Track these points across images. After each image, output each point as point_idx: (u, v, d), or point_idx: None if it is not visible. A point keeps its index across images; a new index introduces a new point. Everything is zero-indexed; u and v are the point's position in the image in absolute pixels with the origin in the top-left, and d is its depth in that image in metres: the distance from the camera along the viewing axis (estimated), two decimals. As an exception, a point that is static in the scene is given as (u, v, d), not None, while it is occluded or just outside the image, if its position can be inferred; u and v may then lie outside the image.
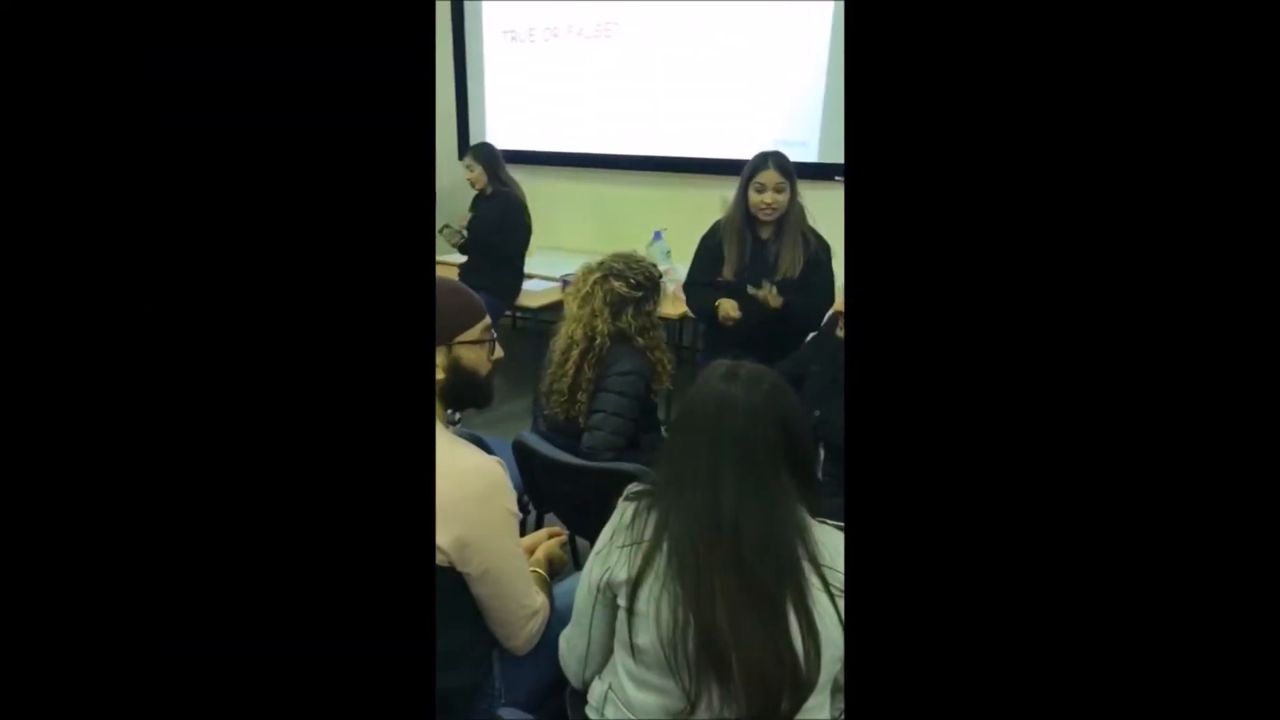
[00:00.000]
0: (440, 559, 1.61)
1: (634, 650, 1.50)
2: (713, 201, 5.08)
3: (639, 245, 4.58)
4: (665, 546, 1.45)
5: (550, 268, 5.47)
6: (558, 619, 1.84)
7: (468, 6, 6.69)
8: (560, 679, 1.78)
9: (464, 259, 5.21)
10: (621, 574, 1.49)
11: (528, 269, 5.21)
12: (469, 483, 1.65)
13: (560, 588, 2.03)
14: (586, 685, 1.69)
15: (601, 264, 2.78)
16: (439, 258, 5.90)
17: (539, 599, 1.82)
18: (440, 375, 1.74)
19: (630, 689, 1.53)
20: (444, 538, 1.59)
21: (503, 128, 6.78)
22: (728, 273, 3.50)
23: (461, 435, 1.90)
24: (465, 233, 5.10)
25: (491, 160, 4.99)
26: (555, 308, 4.91)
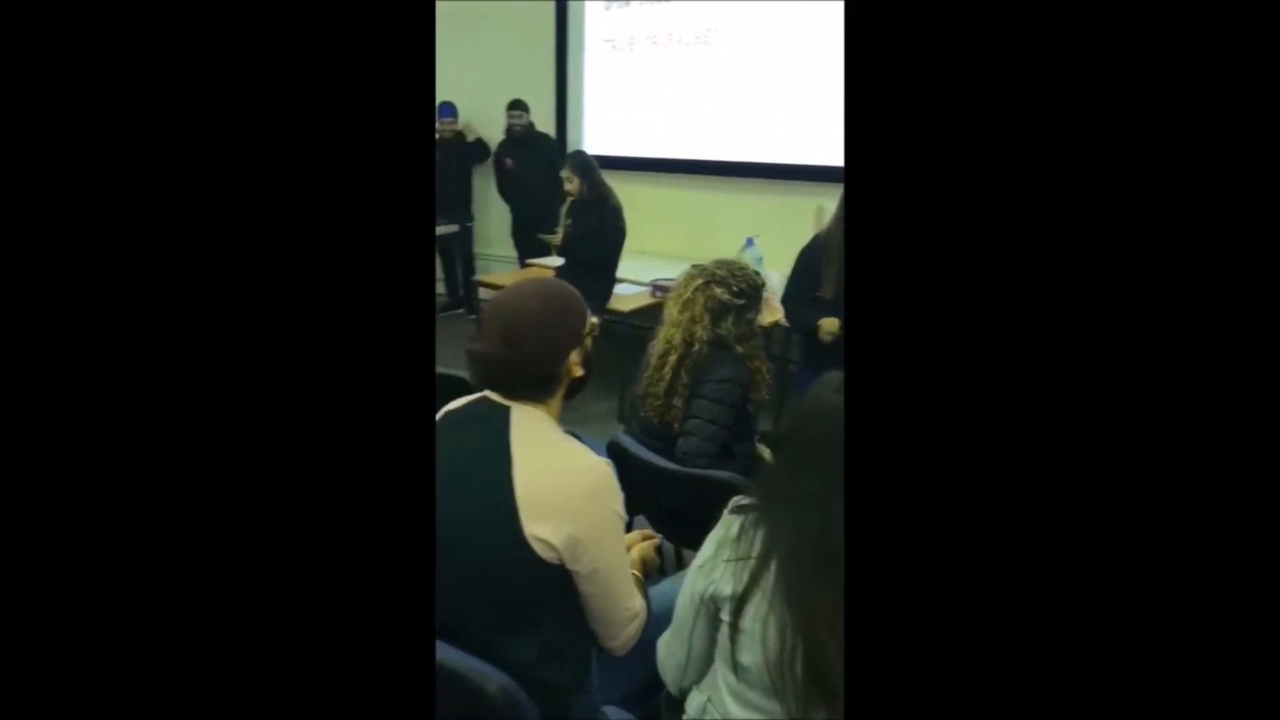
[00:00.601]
0: (550, 556, 1.62)
1: (737, 667, 1.48)
2: (807, 209, 5.04)
3: (731, 251, 4.56)
4: (773, 566, 1.42)
5: (641, 272, 5.51)
6: (652, 622, 1.84)
7: (571, 14, 6.76)
8: (655, 681, 1.78)
9: (560, 262, 5.26)
10: (726, 589, 1.47)
11: (619, 273, 5.24)
12: (583, 482, 1.67)
13: (653, 591, 2.02)
14: (684, 694, 1.68)
15: (704, 270, 2.76)
16: (537, 261, 5.98)
17: (639, 601, 1.82)
18: (579, 372, 1.79)
19: (731, 705, 1.51)
20: (557, 535, 1.60)
21: (600, 135, 6.84)
22: (827, 291, 3.45)
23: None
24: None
25: (587, 168, 5.04)
26: (645, 312, 4.94)
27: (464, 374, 3.05)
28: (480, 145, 7.34)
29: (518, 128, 6.73)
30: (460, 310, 7.62)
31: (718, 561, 1.51)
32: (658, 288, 5.30)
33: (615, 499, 1.71)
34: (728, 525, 1.54)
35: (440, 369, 3.17)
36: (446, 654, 1.60)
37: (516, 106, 6.71)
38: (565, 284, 1.82)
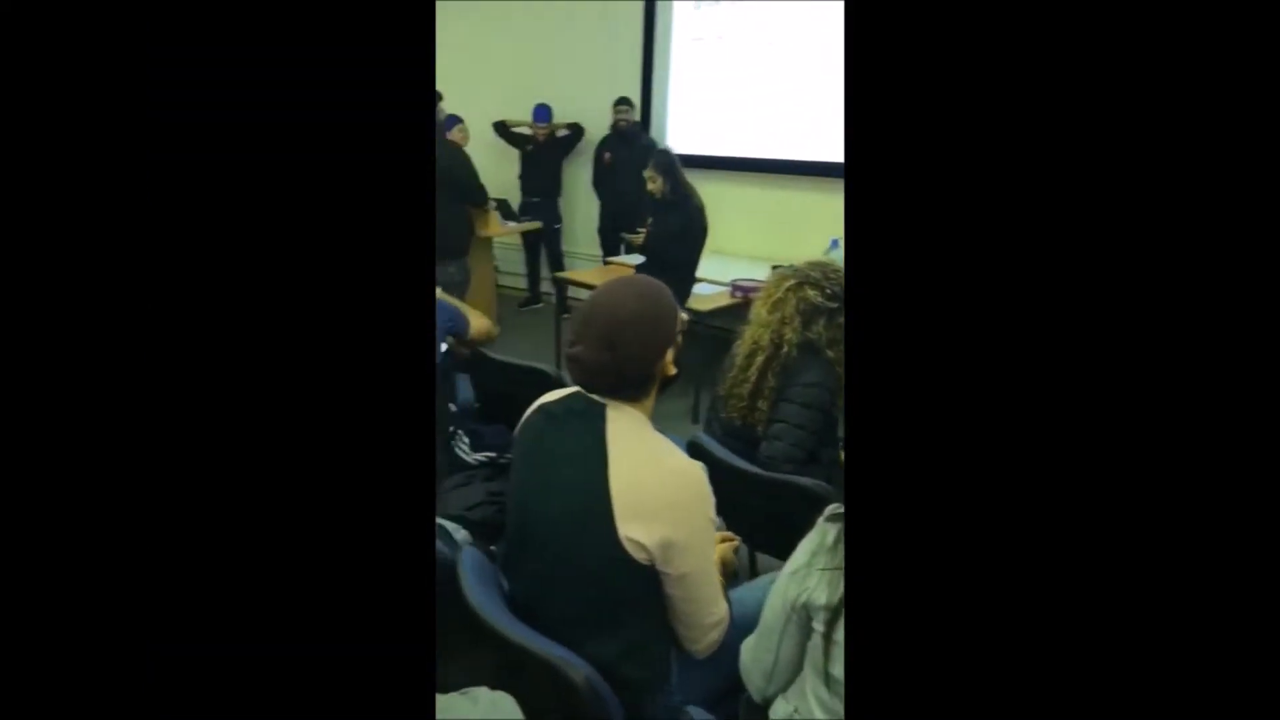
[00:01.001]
0: (642, 557, 1.62)
1: (829, 679, 1.45)
2: (892, 210, 4.96)
3: (814, 252, 4.52)
4: None
5: (720, 272, 5.46)
6: (732, 626, 1.83)
7: (659, 12, 6.76)
8: (735, 684, 1.77)
9: (640, 260, 5.26)
10: (820, 598, 1.44)
11: (698, 272, 5.19)
12: (680, 486, 1.66)
13: (732, 594, 1.99)
14: (767, 702, 1.66)
15: (797, 270, 2.69)
16: (617, 259, 5.98)
17: (724, 606, 1.81)
18: (673, 371, 1.79)
19: (819, 715, 1.48)
20: (651, 538, 1.60)
21: (683, 132, 6.83)
22: None
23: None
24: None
25: (670, 168, 5.02)
26: (724, 312, 4.90)
27: (542, 366, 3.09)
28: (576, 130, 7.37)
29: (623, 123, 6.78)
30: (538, 305, 7.70)
31: (812, 570, 1.48)
32: (738, 288, 5.27)
33: (709, 505, 1.70)
34: (823, 533, 1.50)
35: (521, 361, 3.22)
36: (536, 642, 1.62)
37: (623, 103, 6.76)
38: (657, 282, 1.80)
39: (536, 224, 7.23)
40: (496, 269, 7.35)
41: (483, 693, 1.11)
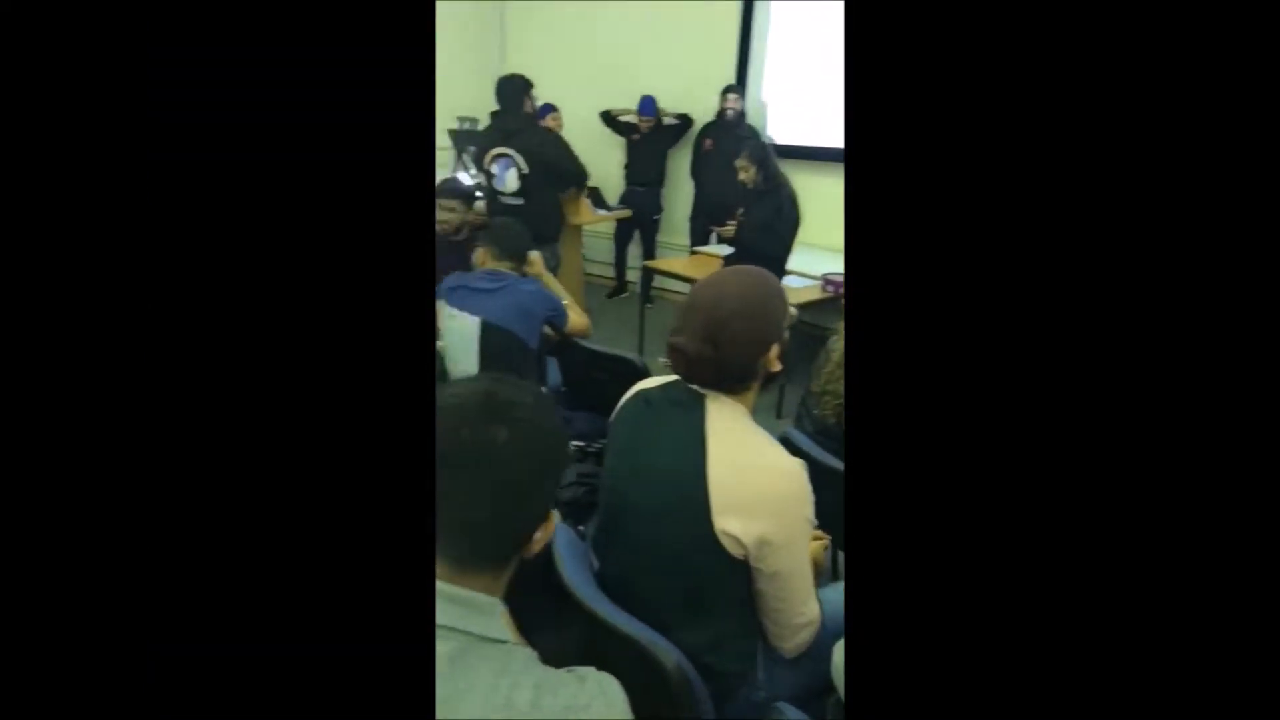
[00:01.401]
0: (738, 552, 1.62)
1: None
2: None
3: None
4: None
5: (811, 265, 5.37)
6: (821, 626, 1.82)
7: (757, 7, 6.70)
8: (823, 684, 1.74)
9: (729, 251, 5.23)
10: None
11: (788, 265, 5.13)
12: (780, 485, 1.65)
13: (821, 594, 1.98)
14: None
15: None
16: (704, 249, 5.93)
17: (815, 607, 1.79)
18: (778, 367, 1.76)
19: None
20: (748, 534, 1.60)
21: (780, 122, 6.76)
22: None
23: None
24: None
25: (764, 157, 4.96)
26: (814, 307, 4.84)
27: (629, 355, 3.11)
28: (684, 120, 7.33)
29: (730, 112, 6.71)
30: (625, 294, 7.75)
31: None
32: (829, 282, 5.19)
33: (808, 505, 1.68)
34: None
35: (607, 349, 3.31)
36: (629, 625, 1.62)
37: (731, 91, 6.71)
38: (768, 275, 1.78)
39: (627, 212, 7.22)
40: (584, 257, 7.36)
41: (590, 673, 1.11)
